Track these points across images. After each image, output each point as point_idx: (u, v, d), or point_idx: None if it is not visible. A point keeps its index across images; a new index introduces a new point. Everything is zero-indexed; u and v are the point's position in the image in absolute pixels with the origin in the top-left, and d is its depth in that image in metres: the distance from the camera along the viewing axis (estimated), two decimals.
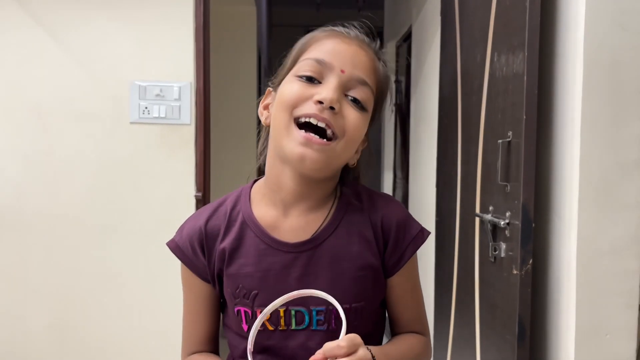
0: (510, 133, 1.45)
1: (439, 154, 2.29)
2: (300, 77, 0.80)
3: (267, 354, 0.83)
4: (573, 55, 1.34)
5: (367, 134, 0.86)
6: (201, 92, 2.22)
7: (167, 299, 2.26)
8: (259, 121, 0.92)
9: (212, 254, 0.85)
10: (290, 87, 0.80)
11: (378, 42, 0.86)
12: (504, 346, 1.47)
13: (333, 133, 0.78)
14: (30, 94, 2.22)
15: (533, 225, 1.37)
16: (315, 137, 0.76)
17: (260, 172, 0.95)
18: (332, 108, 0.77)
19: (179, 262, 0.89)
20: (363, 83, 0.80)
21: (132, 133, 2.23)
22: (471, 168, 1.78)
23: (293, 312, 0.81)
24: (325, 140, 0.77)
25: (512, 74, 1.45)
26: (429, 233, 0.90)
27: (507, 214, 1.46)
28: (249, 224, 0.84)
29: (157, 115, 2.21)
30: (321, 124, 0.77)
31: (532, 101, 1.36)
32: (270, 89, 0.89)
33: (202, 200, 2.23)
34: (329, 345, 0.69)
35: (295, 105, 0.78)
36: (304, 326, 0.81)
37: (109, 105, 2.23)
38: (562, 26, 1.40)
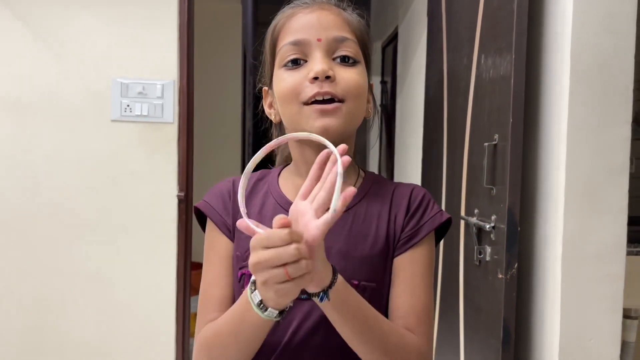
0: (496, 136, 1.44)
1: (424, 156, 2.28)
2: (286, 65, 0.82)
3: None
4: (560, 58, 1.34)
5: (370, 83, 0.89)
6: (185, 91, 2.19)
7: (147, 298, 2.22)
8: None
9: (236, 210, 0.86)
10: (283, 80, 0.81)
11: None
12: (488, 350, 1.46)
13: (339, 99, 0.80)
14: (8, 90, 2.17)
15: (519, 229, 1.37)
16: (327, 106, 0.79)
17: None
18: (327, 77, 0.78)
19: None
20: (342, 39, 0.81)
21: (113, 131, 2.19)
22: (457, 170, 1.77)
23: None
24: (336, 103, 0.79)
25: (499, 76, 1.44)
26: (448, 216, 0.88)
27: (493, 217, 1.45)
28: (272, 193, 0.87)
29: (139, 113, 2.18)
30: (327, 97, 0.79)
31: (519, 104, 1.35)
32: (265, 88, 0.90)
33: (185, 200, 2.20)
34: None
35: (297, 93, 0.80)
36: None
37: (90, 103, 2.18)
38: (550, 29, 1.40)
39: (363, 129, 0.92)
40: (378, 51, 4.15)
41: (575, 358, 1.33)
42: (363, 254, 0.82)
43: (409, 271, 0.83)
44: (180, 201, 2.20)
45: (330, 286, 0.68)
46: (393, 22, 3.43)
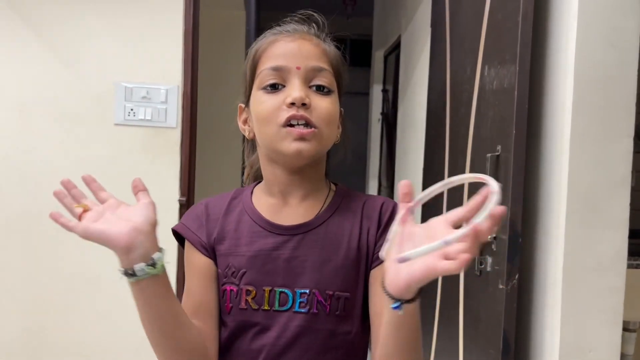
0: (499, 147, 1.45)
1: (425, 165, 2.28)
2: (265, 88, 0.86)
3: (248, 333, 0.86)
4: (564, 70, 1.35)
5: (340, 110, 0.93)
6: (188, 96, 2.19)
7: None
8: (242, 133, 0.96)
9: (211, 230, 0.91)
10: (262, 102, 0.86)
11: (321, 22, 0.92)
12: None
13: (313, 125, 0.84)
14: (12, 92, 2.17)
15: (520, 240, 1.37)
16: (304, 130, 0.83)
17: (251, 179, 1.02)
18: (304, 104, 0.83)
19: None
20: (319, 69, 0.87)
21: (116, 135, 2.19)
22: None
23: (278, 293, 0.85)
24: (311, 128, 0.84)
25: (503, 87, 1.45)
26: None
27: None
28: (247, 211, 0.91)
29: (142, 118, 2.18)
30: (301, 122, 0.83)
31: (522, 116, 1.36)
32: (242, 105, 0.95)
33: (186, 204, 2.20)
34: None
35: (275, 116, 0.84)
36: (286, 307, 0.85)
37: (94, 106, 2.19)
38: (554, 42, 1.41)
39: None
40: (380, 60, 4.17)
41: None
42: (336, 265, 0.86)
43: None
44: (181, 206, 2.20)
45: (408, 301, 0.68)
46: (396, 31, 3.45)
